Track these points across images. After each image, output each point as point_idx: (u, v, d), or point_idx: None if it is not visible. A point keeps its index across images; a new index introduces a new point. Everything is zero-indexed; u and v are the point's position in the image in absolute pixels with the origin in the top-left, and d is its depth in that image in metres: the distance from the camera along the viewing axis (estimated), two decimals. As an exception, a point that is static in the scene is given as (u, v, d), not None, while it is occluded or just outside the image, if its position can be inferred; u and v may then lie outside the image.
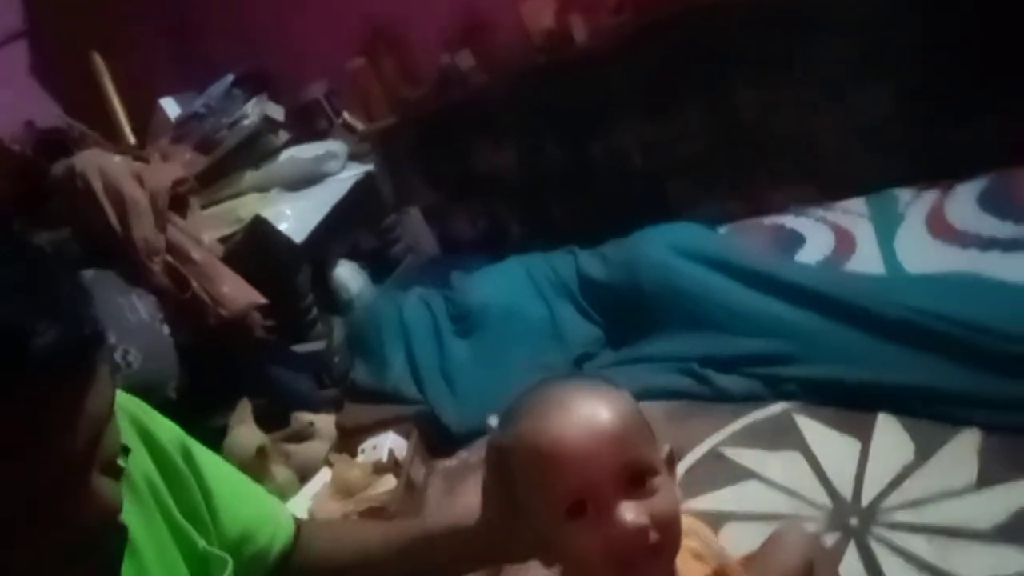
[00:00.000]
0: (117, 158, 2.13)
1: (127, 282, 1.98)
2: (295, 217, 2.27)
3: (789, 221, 2.22)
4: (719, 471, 1.55)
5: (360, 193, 2.48)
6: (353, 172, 2.51)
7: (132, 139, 2.64)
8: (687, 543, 0.81)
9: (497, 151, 2.58)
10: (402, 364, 2.19)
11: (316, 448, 2.01)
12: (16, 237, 0.57)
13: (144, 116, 2.68)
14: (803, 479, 1.47)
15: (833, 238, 2.08)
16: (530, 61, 2.39)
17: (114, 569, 0.65)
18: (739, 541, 1.03)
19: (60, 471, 0.53)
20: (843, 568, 1.23)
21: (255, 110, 2.43)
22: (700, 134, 2.33)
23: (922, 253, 1.88)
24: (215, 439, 1.82)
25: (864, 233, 2.04)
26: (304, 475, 1.94)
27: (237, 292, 2.07)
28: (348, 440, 1.98)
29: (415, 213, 2.77)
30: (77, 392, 0.54)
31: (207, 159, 2.39)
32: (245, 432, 1.94)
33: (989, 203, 1.93)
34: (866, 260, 1.95)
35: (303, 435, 2.06)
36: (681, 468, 1.44)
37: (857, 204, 2.15)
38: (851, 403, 1.57)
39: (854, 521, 1.35)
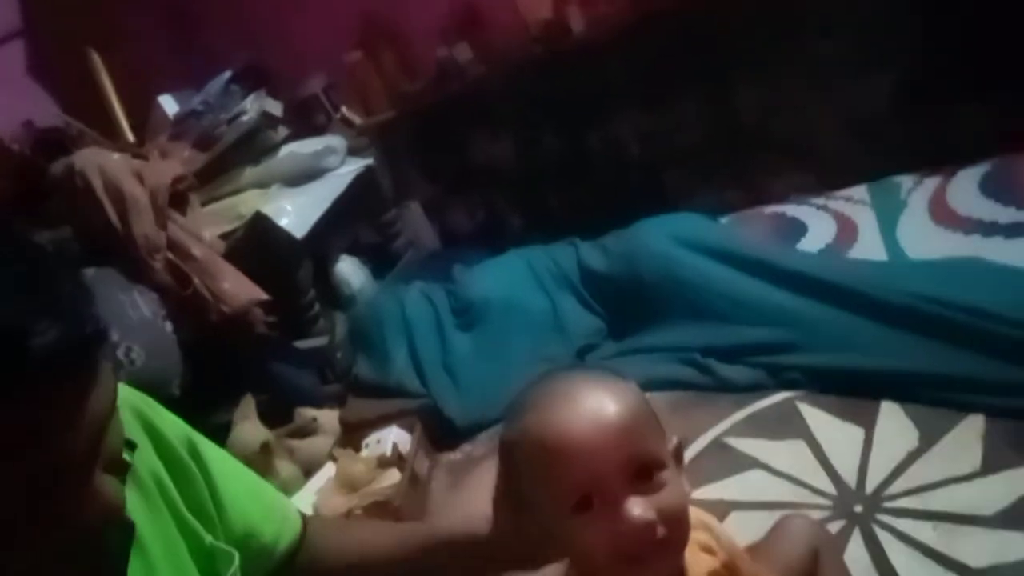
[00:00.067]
0: (116, 156, 2.13)
1: (128, 279, 1.98)
2: (295, 213, 2.27)
3: (790, 210, 2.22)
4: (723, 461, 1.55)
5: (360, 187, 2.48)
6: (353, 167, 2.51)
7: (131, 137, 2.64)
8: (696, 536, 0.81)
9: (495, 143, 2.57)
10: (405, 358, 2.19)
11: (320, 443, 2.01)
12: (16, 237, 0.56)
13: (142, 113, 2.67)
14: (807, 467, 1.47)
15: (835, 226, 2.08)
16: (528, 53, 2.38)
17: (121, 565, 0.65)
18: (744, 530, 1.03)
19: (62, 471, 0.53)
20: (848, 555, 1.23)
21: (253, 106, 2.42)
22: (698, 124, 2.32)
23: (924, 239, 1.88)
24: (219, 436, 1.82)
25: (866, 220, 2.04)
26: (308, 470, 1.95)
27: (238, 288, 2.07)
28: (352, 435, 1.99)
29: (415, 207, 2.77)
30: (78, 391, 0.54)
31: (206, 156, 2.39)
32: (249, 428, 1.94)
33: (991, 188, 1.92)
34: (868, 247, 1.95)
35: (307, 431, 2.06)
36: (685, 459, 1.44)
37: (859, 192, 2.15)
38: (854, 391, 1.56)
39: (858, 508, 1.35)
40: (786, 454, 1.51)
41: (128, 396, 0.75)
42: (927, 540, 1.24)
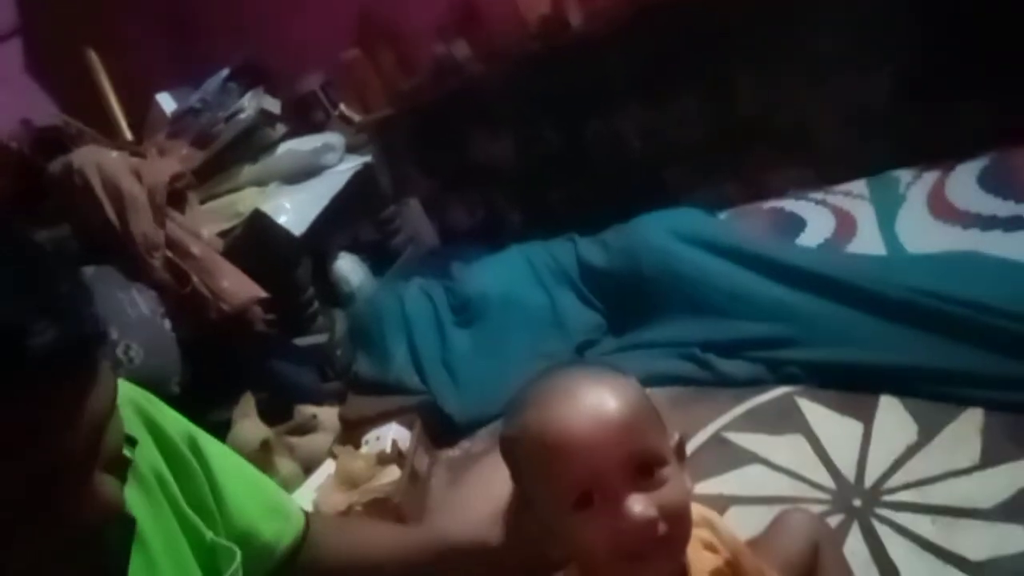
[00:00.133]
0: (114, 154, 2.13)
1: (127, 277, 1.98)
2: (294, 210, 2.27)
3: (789, 205, 2.22)
4: (722, 456, 1.55)
5: (359, 185, 2.48)
6: (351, 164, 2.50)
7: (129, 135, 2.64)
8: (699, 533, 0.80)
9: (494, 139, 2.57)
10: (404, 355, 2.19)
11: (320, 440, 2.01)
12: (16, 235, 0.56)
13: (140, 112, 2.67)
14: (806, 462, 1.47)
15: (834, 221, 2.08)
16: (526, 48, 2.37)
17: (122, 562, 0.65)
18: (743, 525, 1.03)
19: (61, 470, 0.53)
20: (847, 549, 1.23)
21: (251, 103, 2.42)
22: (697, 119, 2.32)
23: (923, 234, 1.88)
24: (219, 433, 1.80)
25: (865, 215, 2.04)
26: (308, 467, 1.95)
27: (237, 286, 2.06)
28: (352, 432, 1.99)
29: (415, 204, 2.76)
30: (78, 391, 0.54)
31: (204, 154, 2.38)
32: (249, 426, 1.95)
33: (990, 183, 1.92)
34: (867, 242, 1.95)
35: (307, 428, 2.06)
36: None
37: (858, 186, 2.15)
38: (853, 385, 1.57)
39: (857, 502, 1.35)
40: (785, 448, 1.51)
41: (129, 392, 0.75)
42: (926, 533, 1.24)
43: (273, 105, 2.45)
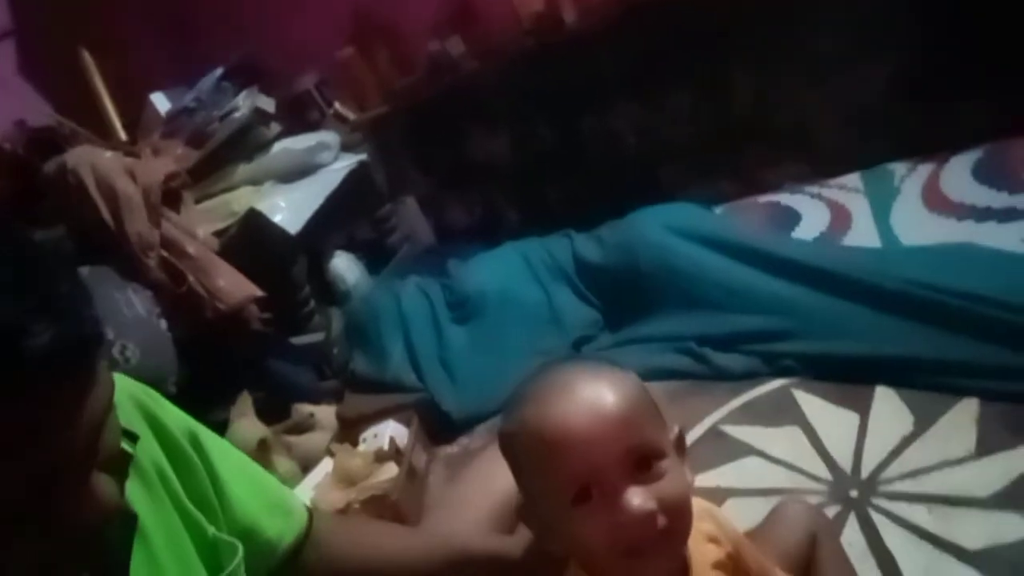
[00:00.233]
0: (109, 154, 2.12)
1: (122, 277, 1.98)
2: (289, 209, 2.27)
3: (784, 199, 2.22)
4: (719, 448, 1.56)
5: (354, 183, 2.48)
6: (346, 162, 2.50)
7: (123, 135, 2.64)
8: (701, 526, 0.80)
9: (490, 137, 2.57)
10: (401, 353, 2.20)
11: (317, 439, 2.01)
12: (15, 236, 0.56)
13: (134, 112, 2.67)
14: (803, 453, 1.47)
15: (829, 214, 2.08)
16: (520, 45, 2.37)
17: (124, 557, 0.66)
18: (741, 517, 1.04)
19: (60, 470, 0.53)
20: (844, 539, 1.24)
21: (246, 102, 2.41)
22: (693, 114, 2.32)
23: (918, 226, 1.88)
24: (217, 433, 1.82)
25: (860, 208, 2.04)
26: (306, 466, 1.95)
27: (233, 285, 2.06)
28: (349, 430, 1.99)
29: (411, 202, 2.76)
30: (77, 391, 0.54)
31: (199, 153, 2.38)
32: (246, 425, 1.95)
33: (984, 174, 1.92)
34: (862, 235, 1.95)
35: (304, 426, 2.06)
36: (682, 447, 1.44)
37: (852, 180, 2.15)
38: (849, 377, 1.57)
39: (854, 493, 1.35)
40: (782, 440, 1.52)
41: (130, 387, 0.75)
42: (922, 523, 1.25)
43: (268, 104, 2.44)
